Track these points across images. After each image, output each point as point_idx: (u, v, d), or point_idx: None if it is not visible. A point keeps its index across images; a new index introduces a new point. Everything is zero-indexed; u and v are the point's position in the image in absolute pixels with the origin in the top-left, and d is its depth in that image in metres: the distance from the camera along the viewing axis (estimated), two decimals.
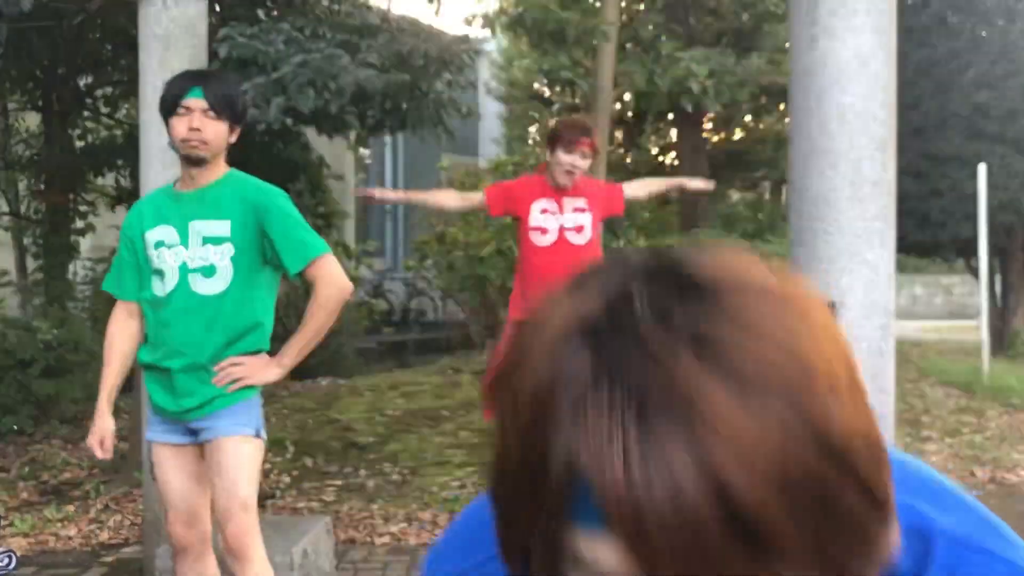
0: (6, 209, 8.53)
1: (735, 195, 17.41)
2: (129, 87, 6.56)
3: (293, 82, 4.37)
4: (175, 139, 2.39)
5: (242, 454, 2.38)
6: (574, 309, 0.46)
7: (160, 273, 2.40)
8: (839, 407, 0.43)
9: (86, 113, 7.34)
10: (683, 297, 0.44)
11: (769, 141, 14.55)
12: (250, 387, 2.43)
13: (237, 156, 2.36)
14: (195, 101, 2.35)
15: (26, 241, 8.50)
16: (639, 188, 3.96)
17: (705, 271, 0.45)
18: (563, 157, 3.46)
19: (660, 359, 0.42)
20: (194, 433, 2.44)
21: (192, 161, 2.39)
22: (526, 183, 3.74)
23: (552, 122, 4.26)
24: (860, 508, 0.43)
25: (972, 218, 8.64)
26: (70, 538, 4.09)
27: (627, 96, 11.67)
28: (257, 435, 2.43)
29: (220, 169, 2.44)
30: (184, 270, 2.37)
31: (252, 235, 2.37)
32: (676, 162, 13.49)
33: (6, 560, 3.51)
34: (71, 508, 4.43)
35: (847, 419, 0.43)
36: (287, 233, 2.38)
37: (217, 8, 5.20)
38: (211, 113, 2.36)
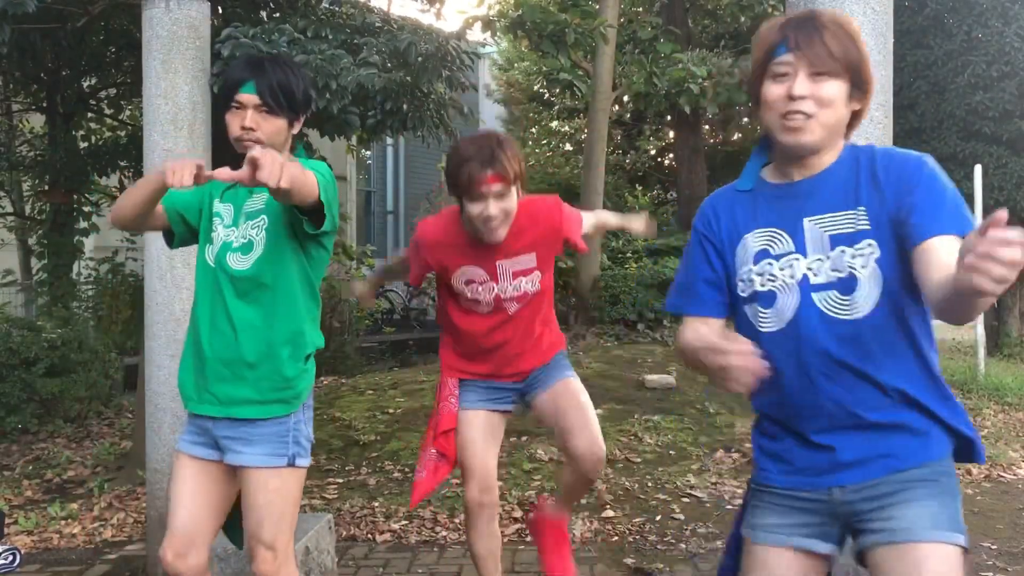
0: (11, 210, 8.57)
1: None
2: (132, 88, 6.61)
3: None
4: (231, 136, 2.20)
5: (271, 491, 2.14)
6: (785, 16, 1.71)
7: (210, 241, 2.26)
8: (859, 38, 1.64)
9: (90, 114, 7.38)
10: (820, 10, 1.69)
11: None
12: (283, 404, 2.19)
13: (241, 157, 2.24)
14: (248, 97, 2.15)
15: (30, 241, 8.56)
16: (590, 219, 2.80)
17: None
18: (471, 209, 2.41)
19: (814, 14, 1.64)
20: (220, 448, 2.20)
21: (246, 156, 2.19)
22: (440, 240, 2.58)
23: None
24: (863, 65, 1.63)
25: None
26: (74, 536, 4.13)
27: (626, 98, 11.70)
28: (291, 463, 2.16)
29: (285, 156, 2.20)
30: (227, 248, 2.22)
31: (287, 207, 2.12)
32: (674, 163, 13.51)
33: (10, 557, 3.54)
34: (75, 506, 4.46)
35: (861, 41, 1.64)
36: (329, 201, 2.12)
37: (220, 10, 5.24)
38: (264, 109, 2.16)
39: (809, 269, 1.59)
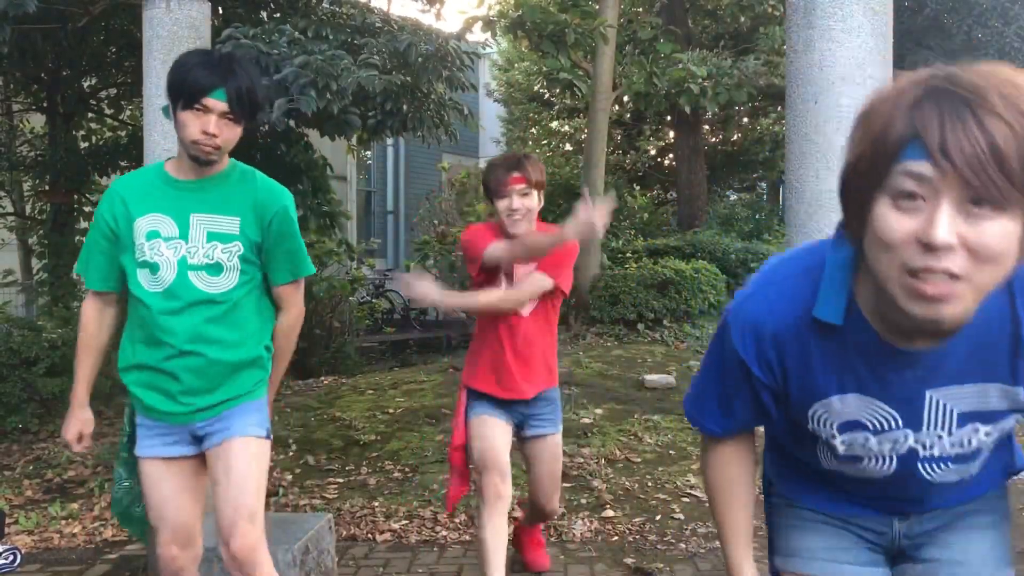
0: (11, 209, 8.58)
1: (732, 196, 17.45)
2: (132, 88, 6.62)
3: (295, 83, 4.41)
4: (184, 138, 2.13)
5: (252, 457, 2.20)
6: (906, 79, 1.00)
7: (152, 266, 2.16)
8: None
9: (90, 114, 7.39)
10: (968, 71, 0.98)
11: (766, 142, 14.61)
12: (262, 385, 2.29)
13: (240, 159, 2.26)
14: (216, 103, 2.08)
15: (31, 241, 8.55)
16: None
17: (982, 69, 0.98)
18: (499, 205, 2.89)
19: (962, 82, 0.95)
20: (198, 440, 2.24)
21: (198, 162, 2.16)
22: (481, 239, 2.95)
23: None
24: None
25: None
26: (74, 535, 4.13)
27: (626, 98, 11.70)
28: (268, 436, 2.28)
29: (224, 160, 2.21)
30: (184, 265, 2.15)
31: (257, 235, 2.19)
32: (674, 163, 13.51)
33: (11, 557, 3.54)
34: (75, 506, 4.46)
35: None
36: (290, 241, 2.24)
37: (220, 10, 5.24)
38: (230, 116, 2.11)
39: (920, 443, 1.21)
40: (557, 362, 3.16)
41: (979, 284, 0.97)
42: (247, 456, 2.19)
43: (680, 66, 8.35)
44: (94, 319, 2.30)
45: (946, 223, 0.93)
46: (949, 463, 1.22)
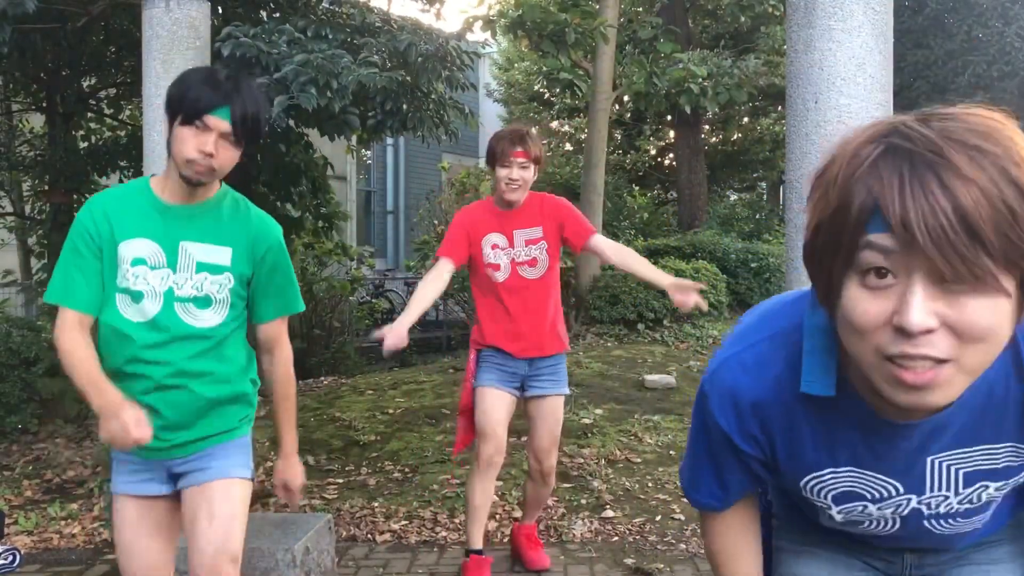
0: (10, 209, 8.57)
1: (733, 195, 17.46)
2: (132, 88, 6.62)
3: (295, 81, 4.41)
4: (179, 155, 1.97)
5: (237, 500, 2.07)
6: (862, 134, 0.87)
7: (134, 295, 2.00)
8: None
9: (89, 114, 7.38)
10: (933, 118, 0.84)
11: (766, 142, 14.62)
12: (247, 423, 2.17)
13: (240, 158, 2.16)
14: (218, 122, 1.95)
15: (30, 241, 8.55)
16: (618, 253, 3.25)
17: (949, 116, 0.84)
18: (500, 172, 3.21)
19: (922, 138, 0.81)
20: (174, 479, 2.10)
21: (188, 182, 2.01)
22: (476, 217, 3.31)
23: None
24: None
25: None
26: (74, 536, 4.12)
27: (626, 97, 11.70)
28: (252, 477, 2.15)
29: (215, 184, 2.09)
30: (170, 297, 2.01)
31: (248, 268, 2.08)
32: (674, 163, 13.51)
33: (10, 558, 3.54)
34: (75, 506, 4.46)
35: None
36: (282, 276, 2.13)
37: (220, 9, 5.24)
38: (231, 138, 1.97)
39: (924, 504, 1.11)
40: (566, 331, 3.38)
41: (969, 366, 0.84)
42: (232, 499, 2.06)
43: (680, 66, 8.34)
44: (83, 343, 2.00)
45: (920, 305, 0.81)
46: (958, 518, 1.12)
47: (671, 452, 5.14)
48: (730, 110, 13.37)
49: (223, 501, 2.05)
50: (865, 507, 1.13)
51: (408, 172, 15.96)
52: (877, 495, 1.10)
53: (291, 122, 5.18)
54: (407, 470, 4.88)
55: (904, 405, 0.88)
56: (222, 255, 2.05)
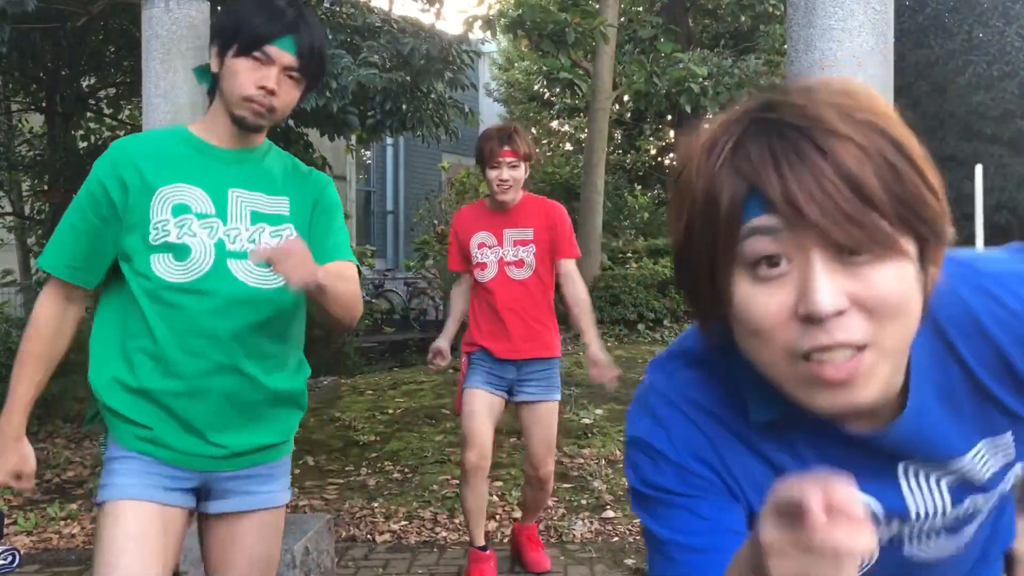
0: (10, 209, 8.57)
1: None
2: (132, 88, 6.61)
3: None
4: (233, 91, 1.67)
5: (276, 536, 1.78)
6: (714, 122, 0.77)
7: (179, 251, 1.64)
8: (907, 138, 0.73)
9: (89, 114, 7.38)
10: (791, 89, 0.76)
11: None
12: (295, 428, 1.82)
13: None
14: (282, 54, 1.65)
15: (29, 241, 8.54)
16: (573, 295, 3.25)
17: (807, 82, 0.77)
18: (490, 174, 3.19)
19: (786, 105, 0.73)
20: (200, 494, 1.72)
21: (242, 125, 1.70)
22: (465, 218, 3.35)
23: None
24: (925, 193, 0.72)
25: (969, 218, 8.69)
26: (73, 536, 4.12)
27: (626, 97, 11.70)
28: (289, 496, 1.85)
29: (264, 133, 1.79)
30: (222, 251, 1.65)
31: (306, 220, 1.77)
32: (674, 163, 13.48)
33: (9, 558, 3.53)
34: (74, 506, 4.45)
35: (910, 141, 0.73)
36: (336, 226, 1.82)
37: (219, 9, 5.24)
38: (295, 75, 1.68)
39: (910, 529, 0.94)
40: (559, 338, 3.37)
41: (890, 347, 0.72)
42: (272, 537, 1.76)
43: (680, 65, 8.34)
44: (53, 319, 1.72)
45: (825, 284, 0.69)
46: (942, 533, 0.96)
47: None
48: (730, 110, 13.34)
49: (263, 539, 1.74)
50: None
51: (408, 172, 15.96)
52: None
53: (290, 122, 5.18)
54: (407, 470, 4.88)
55: (827, 408, 0.73)
56: (279, 204, 1.73)
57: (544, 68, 10.78)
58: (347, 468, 5.02)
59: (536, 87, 14.11)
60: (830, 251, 0.70)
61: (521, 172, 3.21)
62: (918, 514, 0.90)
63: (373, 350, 10.51)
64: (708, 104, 8.45)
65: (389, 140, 13.69)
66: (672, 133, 13.94)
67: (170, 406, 1.65)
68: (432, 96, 5.40)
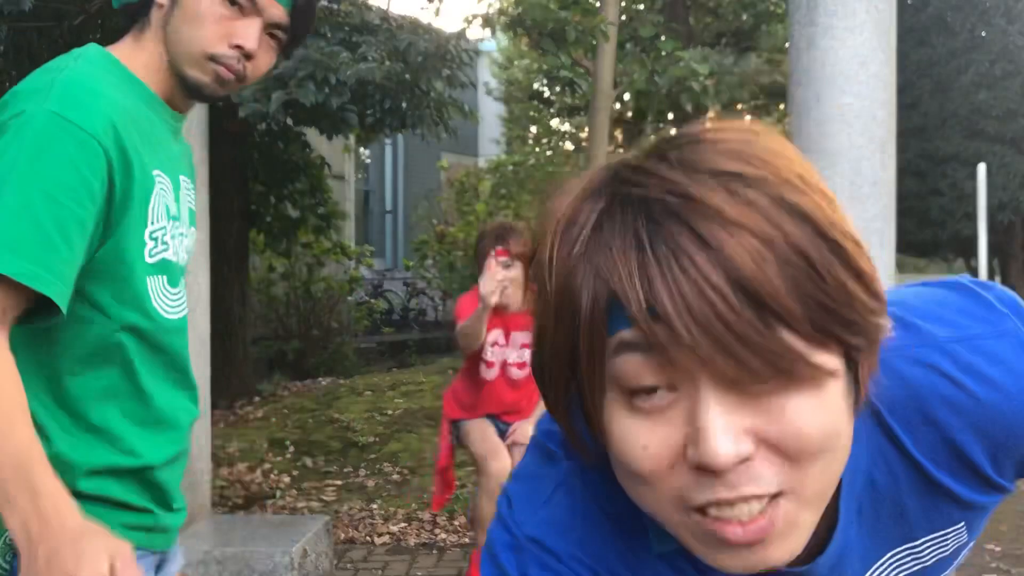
0: None
1: None
2: None
3: (293, 76, 4.39)
4: (194, 44, 1.17)
5: None
6: (577, 186, 0.58)
7: (172, 271, 1.22)
8: (820, 206, 0.53)
9: None
10: (669, 147, 0.56)
11: None
12: None
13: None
14: (273, 3, 1.20)
15: None
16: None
17: (690, 138, 0.57)
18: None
19: (658, 180, 0.53)
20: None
21: (198, 94, 1.23)
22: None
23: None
24: (854, 288, 0.52)
25: (971, 217, 8.66)
26: None
27: (627, 96, 11.68)
28: None
29: None
30: (180, 270, 1.26)
31: None
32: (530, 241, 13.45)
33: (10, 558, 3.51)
34: None
35: (829, 215, 0.53)
36: None
37: None
38: (279, 33, 1.23)
39: None
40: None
41: (811, 493, 0.55)
42: None
43: (682, 64, 8.31)
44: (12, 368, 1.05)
45: (720, 427, 0.52)
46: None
47: None
48: (732, 108, 13.33)
49: None
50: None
51: (407, 171, 15.93)
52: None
53: (288, 120, 5.15)
54: (406, 472, 4.86)
55: (733, 569, 0.57)
56: (191, 197, 1.31)
57: (544, 66, 10.74)
58: (346, 469, 4.99)
59: (536, 86, 14.08)
60: (724, 379, 0.52)
61: (516, 272, 3.03)
62: None
63: (372, 350, 10.48)
64: (709, 103, 8.42)
65: (388, 139, 13.66)
66: (673, 132, 13.91)
67: (160, 478, 1.22)
68: (432, 94, 5.37)
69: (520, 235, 3.13)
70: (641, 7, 12.43)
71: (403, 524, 4.10)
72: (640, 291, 0.51)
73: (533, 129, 15.23)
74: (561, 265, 0.55)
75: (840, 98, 2.91)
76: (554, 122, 15.23)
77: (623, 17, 10.68)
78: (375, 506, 4.34)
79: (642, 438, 0.54)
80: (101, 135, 1.07)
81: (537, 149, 14.72)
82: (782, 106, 13.25)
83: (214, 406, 4.96)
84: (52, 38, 5.82)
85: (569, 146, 15.25)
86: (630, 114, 14.19)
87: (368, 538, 3.96)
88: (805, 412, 0.53)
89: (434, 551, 3.81)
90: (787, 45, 3.22)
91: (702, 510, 0.54)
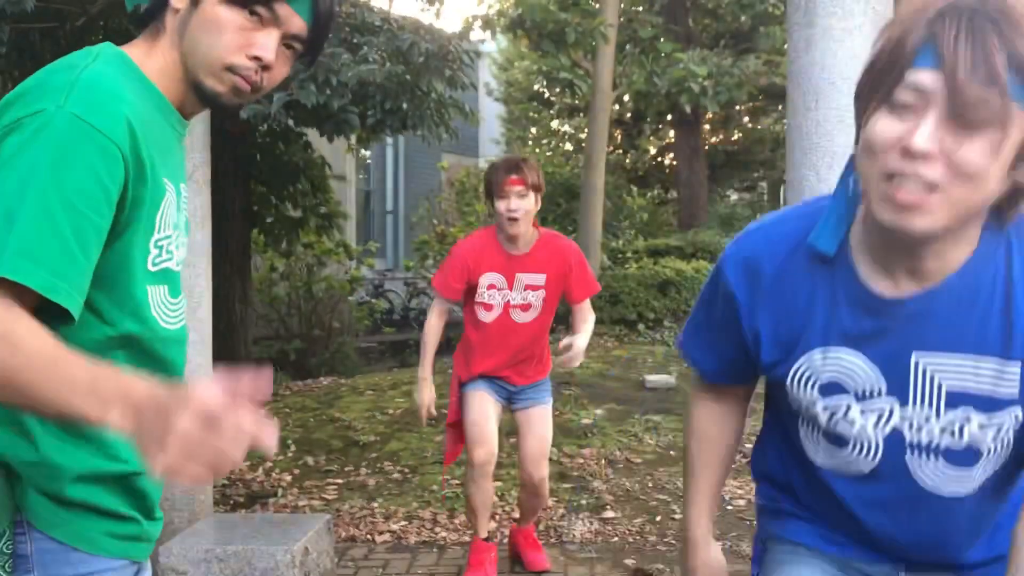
0: None
1: (733, 195, 17.46)
2: None
3: (295, 77, 4.41)
4: (213, 51, 1.15)
5: None
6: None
7: (174, 280, 1.23)
8: None
9: None
10: None
11: (767, 142, 14.60)
12: None
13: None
14: (293, 16, 1.17)
15: None
16: (584, 317, 3.24)
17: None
18: (499, 205, 3.08)
19: (991, 3, 0.92)
20: None
21: (214, 102, 1.21)
22: (477, 250, 3.18)
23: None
24: None
25: None
26: None
27: (626, 97, 11.69)
28: None
29: None
30: (175, 278, 1.26)
31: None
32: (674, 163, 13.50)
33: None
34: None
35: None
36: None
37: None
38: (297, 46, 1.21)
39: (906, 421, 1.10)
40: (550, 357, 3.38)
41: (954, 199, 0.93)
42: None
43: (680, 65, 8.34)
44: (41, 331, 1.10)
45: (929, 130, 0.91)
46: (940, 456, 1.09)
47: (672, 452, 5.13)
48: (730, 110, 13.36)
49: None
50: (849, 408, 1.11)
51: (408, 172, 15.95)
52: (861, 391, 1.10)
53: (289, 122, 5.17)
54: (406, 470, 4.88)
55: (889, 223, 0.96)
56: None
57: (544, 68, 10.77)
58: (347, 468, 5.01)
59: (536, 87, 14.11)
60: (948, 115, 0.91)
61: (530, 202, 3.07)
62: (914, 400, 1.09)
63: (373, 350, 10.51)
64: (708, 104, 8.45)
65: (389, 140, 13.68)
66: (672, 133, 13.93)
67: (144, 485, 1.19)
68: (432, 95, 5.39)
69: (532, 167, 3.13)
70: (640, 9, 12.46)
71: (404, 522, 4.11)
72: (949, 44, 0.90)
73: (533, 130, 15.25)
74: (909, 19, 0.94)
75: (838, 99, 2.92)
76: (554, 123, 15.26)
77: (622, 19, 10.70)
78: (376, 505, 4.36)
79: (884, 124, 0.95)
80: (121, 140, 1.06)
81: (537, 150, 14.74)
82: (781, 107, 13.26)
83: None
84: (54, 39, 5.83)
85: (569, 147, 15.27)
86: (629, 115, 14.21)
87: (369, 536, 3.98)
88: (979, 152, 0.91)
89: (434, 549, 3.83)
90: (785, 47, 3.23)
91: (890, 177, 0.94)
